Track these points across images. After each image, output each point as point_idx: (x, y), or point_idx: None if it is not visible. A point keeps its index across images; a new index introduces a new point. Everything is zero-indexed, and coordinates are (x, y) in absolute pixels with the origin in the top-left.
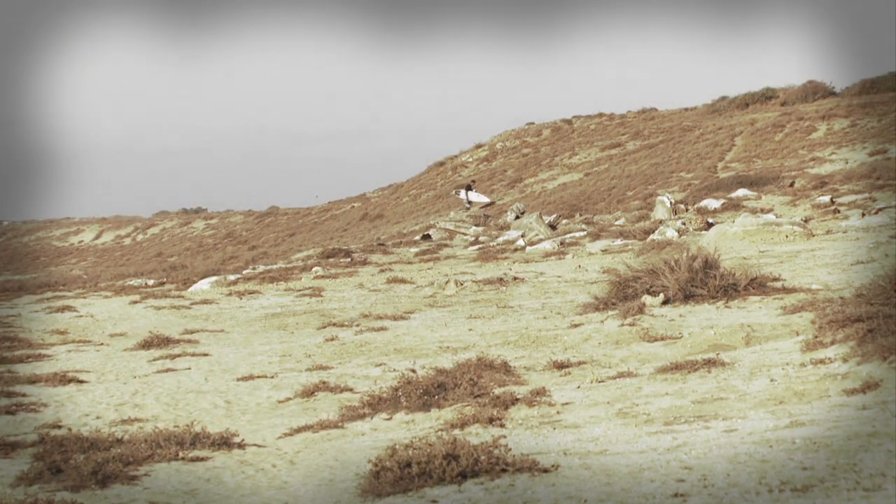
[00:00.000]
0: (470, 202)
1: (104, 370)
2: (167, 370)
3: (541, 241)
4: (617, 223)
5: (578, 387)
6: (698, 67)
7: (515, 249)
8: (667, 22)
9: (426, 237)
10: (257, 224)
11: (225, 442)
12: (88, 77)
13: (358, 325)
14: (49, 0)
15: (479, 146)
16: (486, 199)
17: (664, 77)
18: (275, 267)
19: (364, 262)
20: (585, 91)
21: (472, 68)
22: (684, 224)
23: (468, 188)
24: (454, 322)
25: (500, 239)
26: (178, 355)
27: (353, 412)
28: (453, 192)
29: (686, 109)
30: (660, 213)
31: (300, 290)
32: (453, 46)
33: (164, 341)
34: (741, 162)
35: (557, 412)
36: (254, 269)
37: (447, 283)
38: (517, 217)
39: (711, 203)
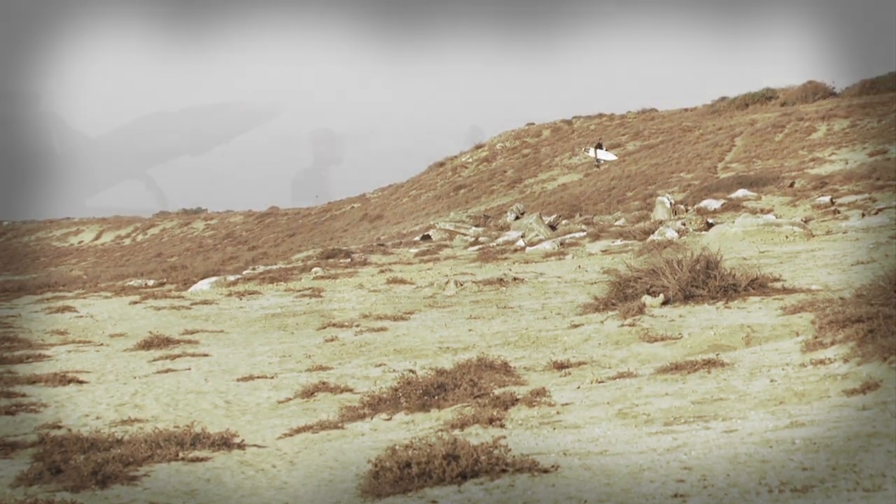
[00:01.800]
0: (599, 160)
1: (104, 370)
2: (167, 370)
3: (541, 241)
4: (617, 224)
5: (578, 387)
6: (698, 68)
7: (515, 250)
8: (666, 22)
9: (426, 237)
10: (257, 224)
11: (225, 442)
12: (88, 75)
13: (358, 326)
14: None
15: (478, 146)
16: (613, 157)
17: (664, 77)
18: (275, 267)
19: (364, 263)
20: (585, 91)
21: (473, 68)
22: (684, 224)
23: (598, 146)
24: (454, 322)
25: (500, 239)
26: (178, 356)
27: (352, 412)
28: (581, 149)
29: (686, 110)
30: (660, 213)
31: (300, 291)
32: (453, 47)
33: (164, 342)
34: (741, 162)
35: (557, 413)
36: (254, 269)
37: (447, 283)
38: (517, 217)
39: (711, 203)
